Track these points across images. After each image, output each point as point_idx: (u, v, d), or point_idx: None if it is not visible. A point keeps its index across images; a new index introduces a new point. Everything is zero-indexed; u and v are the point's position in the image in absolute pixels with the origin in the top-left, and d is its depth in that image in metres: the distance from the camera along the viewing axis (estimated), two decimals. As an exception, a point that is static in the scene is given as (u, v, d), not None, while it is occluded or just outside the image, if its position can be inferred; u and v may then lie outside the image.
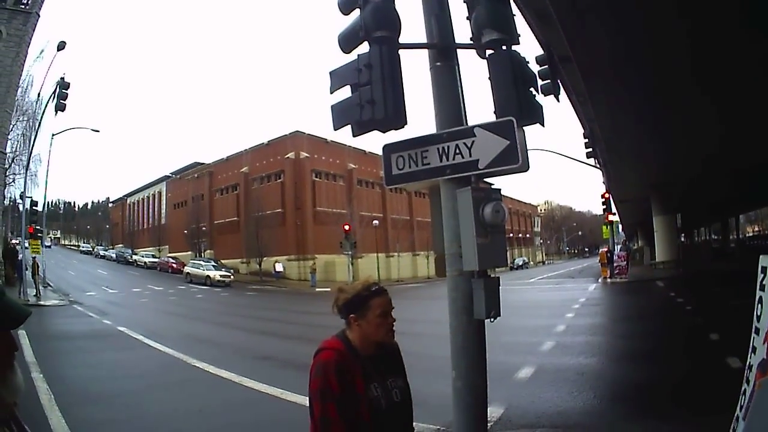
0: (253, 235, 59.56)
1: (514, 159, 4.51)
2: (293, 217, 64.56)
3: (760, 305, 4.33)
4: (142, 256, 74.39)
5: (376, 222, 63.08)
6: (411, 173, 5.06)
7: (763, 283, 4.30)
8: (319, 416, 2.92)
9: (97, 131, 41.27)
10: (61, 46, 32.09)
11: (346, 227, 53.55)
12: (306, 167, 66.09)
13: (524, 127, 4.97)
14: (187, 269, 54.71)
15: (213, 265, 54.61)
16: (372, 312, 3.17)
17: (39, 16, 36.65)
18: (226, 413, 9.13)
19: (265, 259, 58.80)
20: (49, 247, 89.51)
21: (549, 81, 11.72)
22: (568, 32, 15.43)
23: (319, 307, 32.13)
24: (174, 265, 65.45)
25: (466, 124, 5.03)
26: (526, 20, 16.42)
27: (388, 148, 5.22)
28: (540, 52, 14.47)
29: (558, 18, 14.69)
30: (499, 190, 4.81)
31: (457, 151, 4.77)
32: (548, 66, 13.19)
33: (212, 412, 9.24)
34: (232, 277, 51.99)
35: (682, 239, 67.02)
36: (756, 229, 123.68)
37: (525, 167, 4.67)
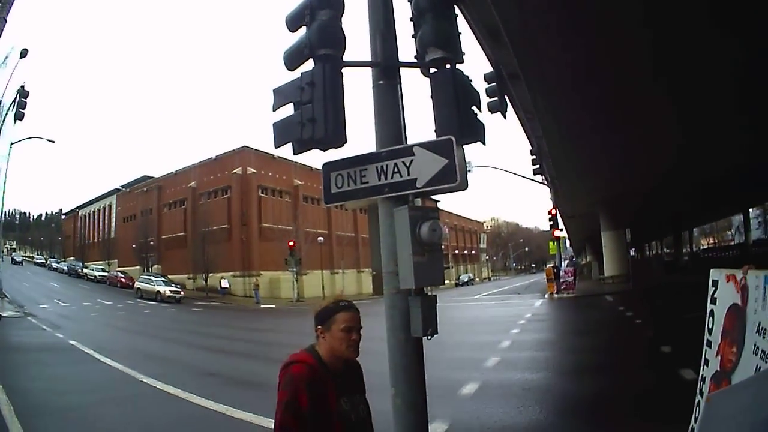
0: (200, 250, 59.45)
1: (453, 178, 4.54)
2: (239, 233, 64.67)
3: (711, 318, 4.40)
4: (93, 270, 73.02)
5: (321, 239, 63.71)
6: (350, 192, 5.05)
7: (714, 296, 4.37)
8: (278, 426, 2.94)
9: (53, 141, 41.40)
10: (24, 53, 31.70)
11: (291, 244, 54.21)
12: (252, 183, 66.27)
13: (466, 146, 5.02)
14: (137, 284, 54.00)
15: (163, 281, 54.04)
16: (336, 325, 3.20)
17: (6, 21, 35.93)
18: (174, 429, 9.19)
19: (211, 275, 58.59)
20: (20, 263, 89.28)
21: (497, 98, 11.86)
22: (518, 50, 15.49)
23: (264, 324, 32.06)
24: (123, 280, 64.71)
25: (406, 143, 5.05)
26: (476, 38, 16.52)
27: (328, 167, 5.20)
28: (490, 69, 14.63)
29: (507, 35, 14.76)
30: (437, 209, 4.83)
31: (396, 169, 4.79)
32: (497, 83, 13.35)
33: (161, 427, 9.28)
34: (182, 293, 51.61)
35: (633, 253, 67.97)
36: (711, 241, 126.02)
37: (463, 186, 4.72)
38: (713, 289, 4.39)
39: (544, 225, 55.81)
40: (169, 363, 16.39)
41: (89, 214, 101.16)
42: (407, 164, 4.75)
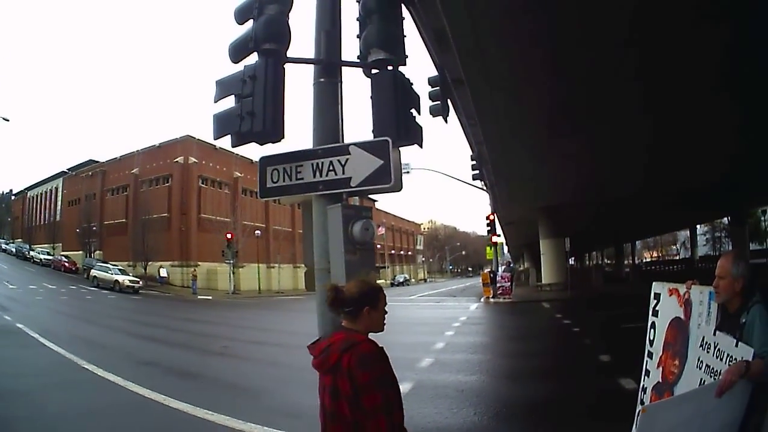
0: (140, 238, 58.75)
1: (387, 179, 4.60)
2: (179, 223, 63.98)
3: (653, 330, 4.55)
4: (39, 253, 71.34)
5: (258, 232, 63.19)
6: (285, 187, 5.09)
7: (657, 309, 4.52)
8: (381, 403, 3.00)
9: (7, 120, 40.34)
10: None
11: (229, 236, 54.01)
12: (193, 173, 65.68)
13: (404, 148, 5.09)
14: (93, 272, 51.41)
15: (120, 270, 51.72)
16: (382, 304, 3.34)
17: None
18: (115, 416, 9.12)
19: (150, 263, 57.91)
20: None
21: (439, 102, 11.90)
22: (463, 55, 15.47)
23: (201, 315, 31.77)
24: (66, 264, 63.56)
25: (343, 142, 5.08)
26: (424, 41, 16.48)
27: (265, 161, 5.23)
28: (436, 73, 14.64)
29: (454, 40, 14.74)
30: (370, 208, 4.89)
31: (331, 167, 4.82)
32: (440, 87, 13.40)
33: (103, 414, 9.24)
34: (140, 283, 49.98)
35: (572, 262, 68.67)
36: (654, 254, 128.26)
37: (397, 187, 4.77)
38: (655, 301, 4.55)
39: (483, 230, 56.14)
40: (109, 350, 16.33)
41: (37, 195, 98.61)
42: (343, 163, 4.79)
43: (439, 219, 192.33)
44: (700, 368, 3.81)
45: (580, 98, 18.64)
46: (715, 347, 3.69)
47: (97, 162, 79.80)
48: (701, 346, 3.85)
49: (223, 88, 5.08)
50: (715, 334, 3.73)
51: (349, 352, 3.11)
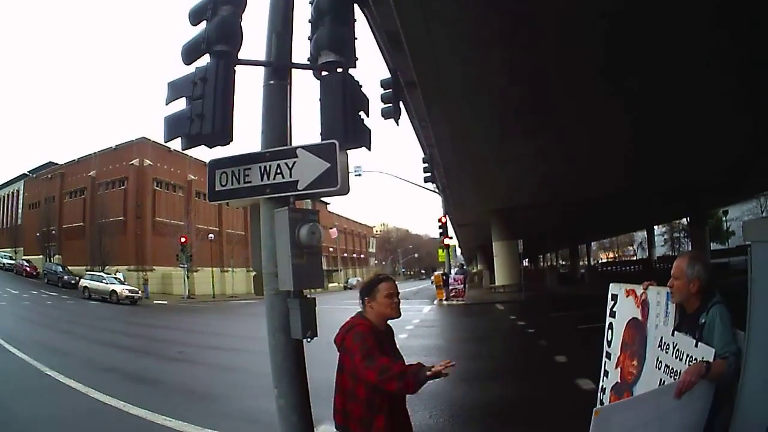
0: (97, 242, 58.19)
1: (334, 182, 4.62)
2: (134, 226, 63.28)
3: (610, 331, 4.60)
4: (2, 257, 69.78)
5: (211, 236, 63.30)
6: (233, 190, 5.07)
7: (614, 309, 4.58)
8: (362, 358, 3.67)
9: None
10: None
11: (183, 239, 53.68)
12: (148, 175, 65.16)
13: (353, 150, 5.09)
14: (84, 282, 46.72)
15: (116, 278, 48.10)
16: (380, 294, 3.99)
17: None
18: (78, 423, 9.23)
19: (107, 267, 56.75)
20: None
21: (391, 105, 11.93)
22: (416, 58, 15.49)
23: (156, 320, 31.52)
24: (27, 269, 62.29)
25: (291, 144, 5.08)
26: (378, 43, 16.45)
27: (214, 164, 5.21)
28: (389, 75, 14.69)
29: (407, 43, 14.71)
30: (316, 212, 4.89)
31: (279, 170, 4.82)
32: (393, 90, 13.45)
33: (66, 421, 9.31)
34: (140, 293, 47.10)
35: (526, 264, 69.09)
36: (610, 255, 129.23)
37: (345, 190, 4.77)
38: (612, 302, 4.61)
39: (435, 232, 56.22)
40: (70, 356, 16.40)
41: (1, 198, 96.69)
42: (290, 166, 4.79)
43: (392, 221, 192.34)
44: (659, 368, 3.85)
45: (535, 101, 18.68)
46: (674, 347, 3.74)
47: (57, 164, 78.34)
48: (659, 346, 3.90)
49: (175, 90, 5.05)
50: (673, 334, 3.78)
51: (350, 333, 3.86)
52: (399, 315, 4.05)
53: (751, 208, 62.05)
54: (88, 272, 51.67)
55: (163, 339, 22.10)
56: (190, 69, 5.04)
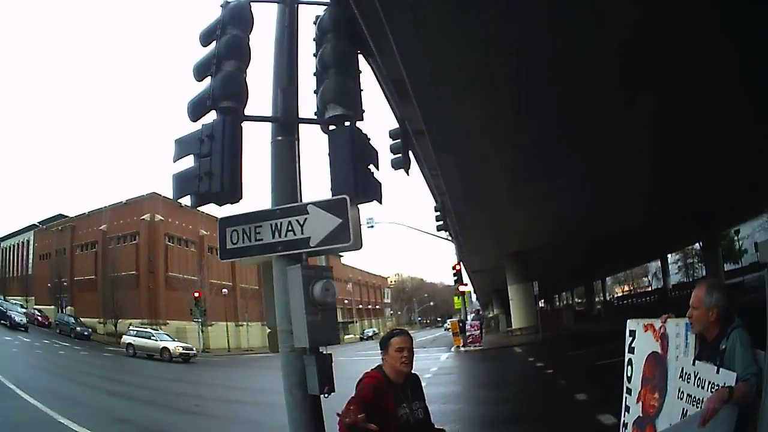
0: (109, 295, 58.06)
1: (346, 237, 4.58)
2: (147, 281, 63.42)
3: (630, 366, 4.56)
4: (15, 305, 69.33)
5: (225, 290, 63.48)
6: (245, 248, 5.03)
7: (632, 345, 4.54)
8: (347, 404, 3.71)
9: None
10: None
11: (197, 294, 53.63)
12: (160, 230, 65.58)
13: (363, 204, 5.06)
14: (128, 339, 41.56)
15: (167, 335, 43.90)
16: (392, 347, 4.15)
17: None
18: None
19: (120, 320, 56.51)
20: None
21: (401, 155, 11.90)
22: (424, 107, 15.43)
23: (171, 374, 31.21)
24: (39, 318, 61.16)
25: (301, 200, 5.06)
26: (384, 93, 16.46)
27: (224, 222, 5.19)
28: (396, 125, 14.67)
29: (414, 92, 14.69)
30: (330, 268, 4.88)
31: (290, 227, 4.79)
32: (402, 139, 13.42)
33: None
34: (194, 351, 42.33)
35: (542, 305, 68.40)
36: (625, 289, 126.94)
37: (357, 246, 4.74)
38: (630, 339, 4.57)
39: (450, 280, 55.78)
40: (84, 406, 16.10)
41: (10, 247, 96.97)
42: (301, 222, 4.76)
43: (406, 271, 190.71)
44: (682, 398, 3.81)
45: (550, 139, 18.48)
46: (695, 376, 3.70)
47: (67, 216, 78.89)
48: (681, 377, 3.87)
49: (182, 147, 5.06)
50: (694, 363, 3.75)
51: (358, 384, 4.06)
52: (408, 369, 4.18)
53: (762, 223, 61.24)
54: (131, 328, 45.72)
55: (178, 392, 22.00)
56: (198, 125, 5.06)
